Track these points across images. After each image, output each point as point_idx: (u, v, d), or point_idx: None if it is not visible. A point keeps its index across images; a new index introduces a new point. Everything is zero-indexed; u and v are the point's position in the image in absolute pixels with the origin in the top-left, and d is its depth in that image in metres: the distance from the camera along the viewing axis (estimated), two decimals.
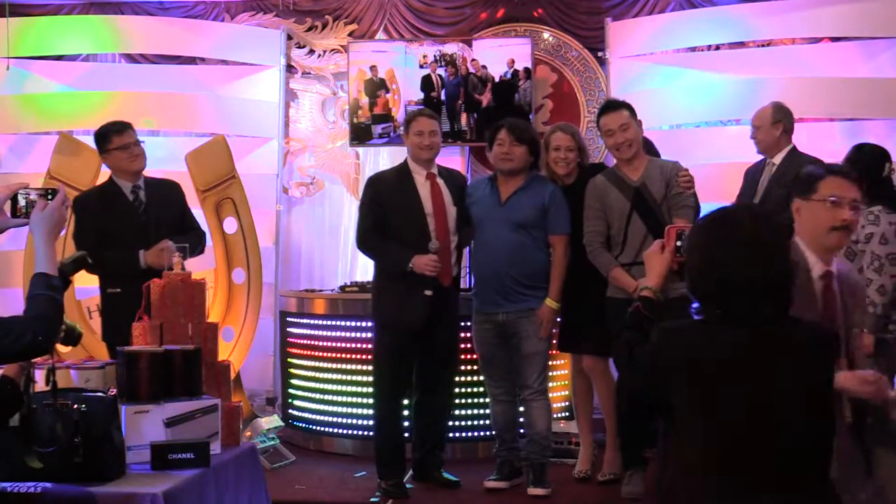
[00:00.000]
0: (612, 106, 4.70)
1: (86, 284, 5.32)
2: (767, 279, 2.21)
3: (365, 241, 4.76)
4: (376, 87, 6.81)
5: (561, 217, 4.69)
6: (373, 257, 4.84)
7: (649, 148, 5.15)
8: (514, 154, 4.68)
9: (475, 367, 5.07)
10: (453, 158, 6.63)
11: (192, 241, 4.40)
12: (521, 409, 4.84)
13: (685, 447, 2.21)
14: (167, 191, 4.80)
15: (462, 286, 5.16)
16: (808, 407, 2.18)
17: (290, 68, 7.18)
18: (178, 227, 4.66)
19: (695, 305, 2.30)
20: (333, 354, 5.62)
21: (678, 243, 2.56)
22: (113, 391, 3.01)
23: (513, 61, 6.72)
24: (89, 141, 4.97)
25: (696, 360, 2.20)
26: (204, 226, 5.94)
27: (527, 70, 6.70)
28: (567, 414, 5.69)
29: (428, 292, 4.53)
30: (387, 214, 4.69)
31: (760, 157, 5.10)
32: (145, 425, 3.03)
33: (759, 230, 2.24)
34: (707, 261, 2.26)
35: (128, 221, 4.61)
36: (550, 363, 4.87)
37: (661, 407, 2.27)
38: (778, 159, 4.96)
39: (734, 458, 2.15)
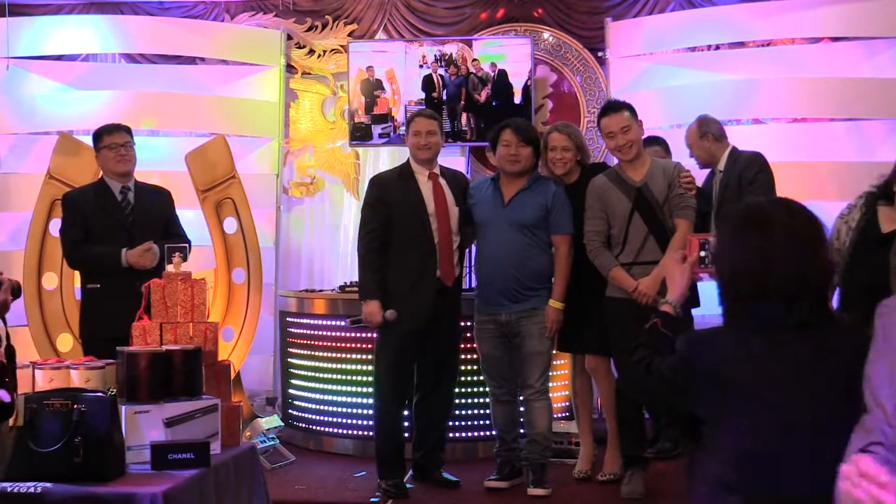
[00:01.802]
0: (612, 107, 4.69)
1: None
2: (806, 278, 2.05)
3: (366, 245, 4.73)
4: (372, 87, 6.81)
5: (564, 217, 4.69)
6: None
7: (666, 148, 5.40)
8: (521, 155, 4.67)
9: (475, 367, 5.07)
10: (454, 158, 6.64)
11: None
12: (522, 409, 4.84)
13: (716, 460, 2.07)
14: (156, 197, 4.91)
15: (463, 286, 5.15)
16: (843, 410, 1.99)
17: (290, 68, 7.18)
18: (163, 233, 4.73)
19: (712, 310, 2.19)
20: (333, 354, 5.62)
21: (702, 254, 2.41)
22: (113, 391, 3.01)
23: (494, 65, 6.72)
24: (89, 141, 5.00)
25: (727, 369, 2.07)
26: (203, 226, 5.97)
27: (529, 72, 6.71)
28: (567, 414, 5.69)
29: (390, 314, 4.57)
30: (390, 214, 4.69)
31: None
32: (145, 425, 3.02)
33: (798, 225, 2.09)
34: (742, 260, 2.09)
35: (113, 220, 4.71)
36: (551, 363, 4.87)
37: (689, 419, 2.14)
38: (722, 165, 5.12)
39: (768, 469, 2.01)
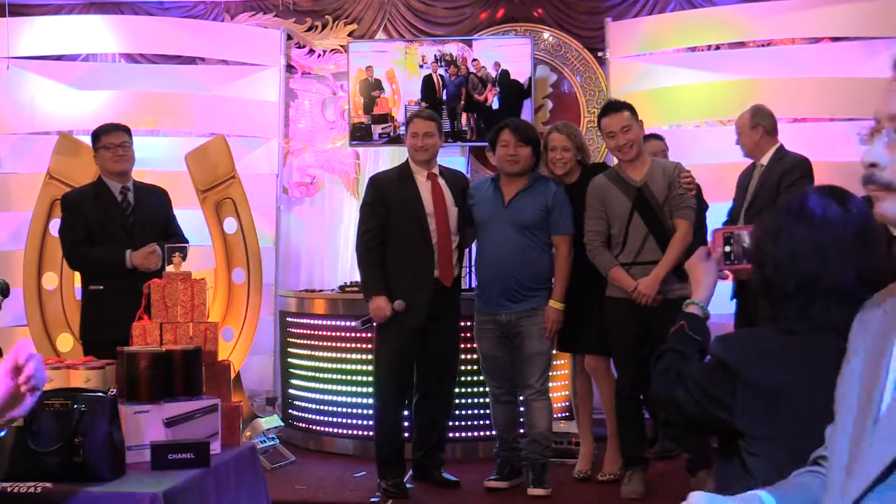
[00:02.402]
0: (612, 107, 4.69)
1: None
2: (862, 276, 1.83)
3: (365, 243, 4.74)
4: (371, 87, 6.81)
5: (564, 217, 4.69)
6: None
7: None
8: (520, 155, 4.67)
9: (475, 367, 5.07)
10: (454, 158, 6.63)
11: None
12: (522, 409, 4.84)
13: (756, 478, 1.81)
14: (155, 197, 4.91)
15: (463, 286, 5.15)
16: None
17: (290, 68, 7.17)
18: (163, 233, 4.73)
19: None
20: (333, 354, 5.63)
21: (727, 249, 2.16)
22: (113, 391, 3.01)
23: (498, 65, 6.71)
24: (89, 141, 5.00)
25: (773, 375, 1.85)
26: (203, 226, 5.97)
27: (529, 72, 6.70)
28: (567, 414, 5.69)
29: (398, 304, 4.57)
30: (388, 214, 4.69)
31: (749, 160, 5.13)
32: (145, 425, 3.02)
33: (852, 217, 1.86)
34: (788, 256, 1.87)
35: (115, 220, 4.71)
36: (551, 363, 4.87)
37: (724, 433, 1.94)
38: (765, 160, 4.99)
39: None
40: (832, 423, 1.52)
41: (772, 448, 1.83)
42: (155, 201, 4.87)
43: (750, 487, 1.74)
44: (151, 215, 4.80)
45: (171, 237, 4.64)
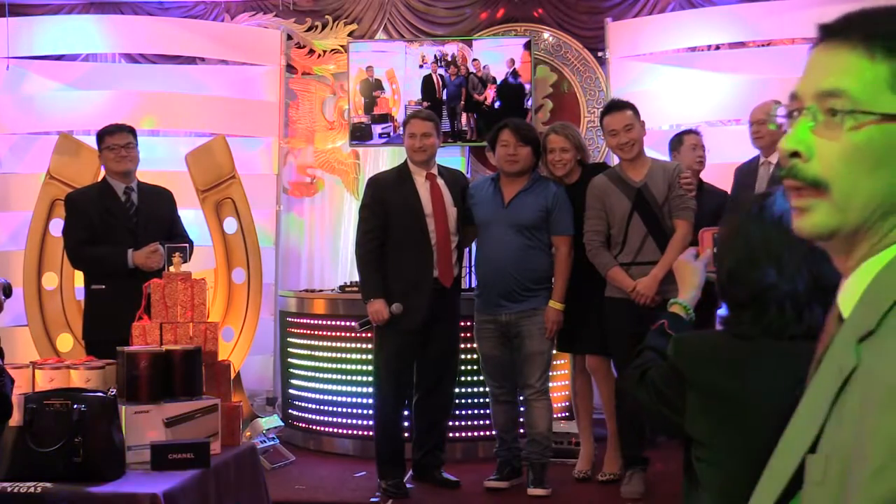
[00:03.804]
0: (615, 106, 4.70)
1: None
2: (818, 282, 1.74)
3: (364, 245, 4.73)
4: (371, 87, 6.81)
5: (565, 218, 4.69)
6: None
7: None
8: (520, 155, 4.67)
9: (475, 367, 5.07)
10: (454, 158, 6.64)
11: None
12: (522, 409, 4.84)
13: (710, 492, 1.77)
14: (159, 197, 4.92)
15: (463, 286, 5.15)
16: None
17: (290, 68, 7.17)
18: (167, 234, 4.73)
19: (722, 313, 1.89)
20: (333, 354, 5.63)
21: (716, 250, 2.09)
22: (113, 391, 3.01)
23: (513, 61, 6.71)
24: (89, 141, 5.01)
25: (724, 382, 1.79)
26: (203, 226, 5.97)
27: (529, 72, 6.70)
28: (567, 414, 5.69)
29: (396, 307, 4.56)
30: (387, 215, 4.70)
31: (754, 153, 5.06)
32: (145, 425, 3.03)
33: None
34: (742, 260, 1.80)
35: (118, 221, 4.72)
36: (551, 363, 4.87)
37: (679, 439, 1.88)
38: (775, 158, 4.77)
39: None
40: None
41: (717, 455, 1.78)
42: (159, 202, 4.88)
43: (700, 496, 1.73)
44: (155, 216, 4.80)
45: (176, 238, 4.64)
